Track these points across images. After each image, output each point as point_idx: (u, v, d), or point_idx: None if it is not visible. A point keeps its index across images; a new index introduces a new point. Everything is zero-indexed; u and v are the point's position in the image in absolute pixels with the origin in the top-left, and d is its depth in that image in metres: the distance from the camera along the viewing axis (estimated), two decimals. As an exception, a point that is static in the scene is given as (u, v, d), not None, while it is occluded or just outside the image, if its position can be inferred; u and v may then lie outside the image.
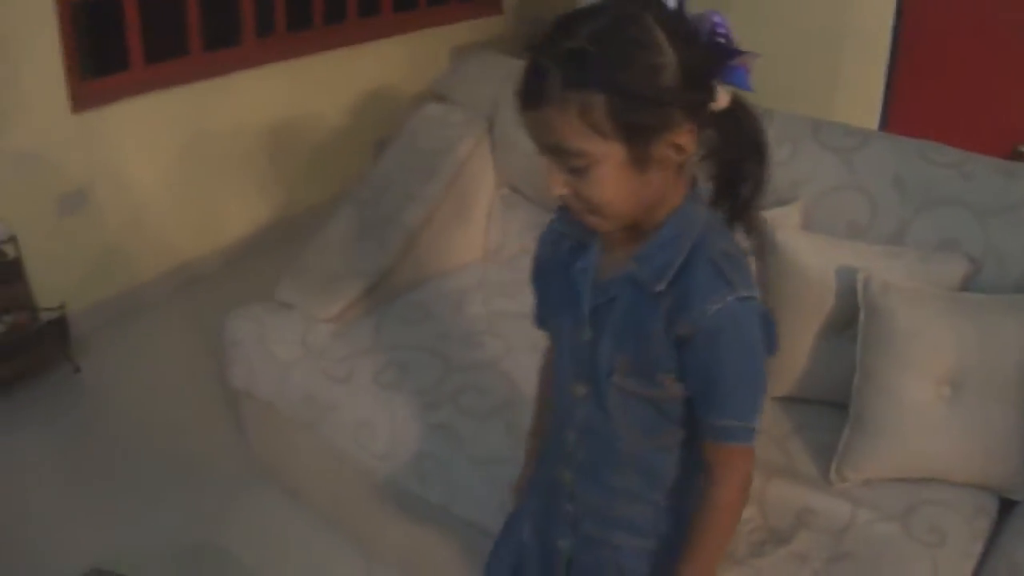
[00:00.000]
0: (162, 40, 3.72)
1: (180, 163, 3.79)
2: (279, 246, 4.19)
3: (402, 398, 2.33)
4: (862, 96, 3.57)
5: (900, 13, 3.43)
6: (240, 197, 4.12)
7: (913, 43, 3.47)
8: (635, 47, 1.17)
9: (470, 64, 3.13)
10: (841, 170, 2.39)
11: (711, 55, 1.22)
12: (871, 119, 3.54)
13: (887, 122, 3.55)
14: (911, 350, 2.07)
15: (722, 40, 1.22)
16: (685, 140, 1.22)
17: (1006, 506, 2.10)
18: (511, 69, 2.84)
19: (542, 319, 1.58)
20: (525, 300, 2.67)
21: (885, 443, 2.08)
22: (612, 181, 1.22)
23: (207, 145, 3.88)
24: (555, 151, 1.22)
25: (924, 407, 2.06)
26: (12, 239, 3.15)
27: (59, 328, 3.28)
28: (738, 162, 1.32)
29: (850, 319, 2.19)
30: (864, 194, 2.35)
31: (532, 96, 1.20)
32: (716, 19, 1.22)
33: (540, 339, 2.49)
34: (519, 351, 2.48)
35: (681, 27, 1.20)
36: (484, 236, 2.99)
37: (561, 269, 1.43)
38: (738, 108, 1.27)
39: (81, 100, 3.35)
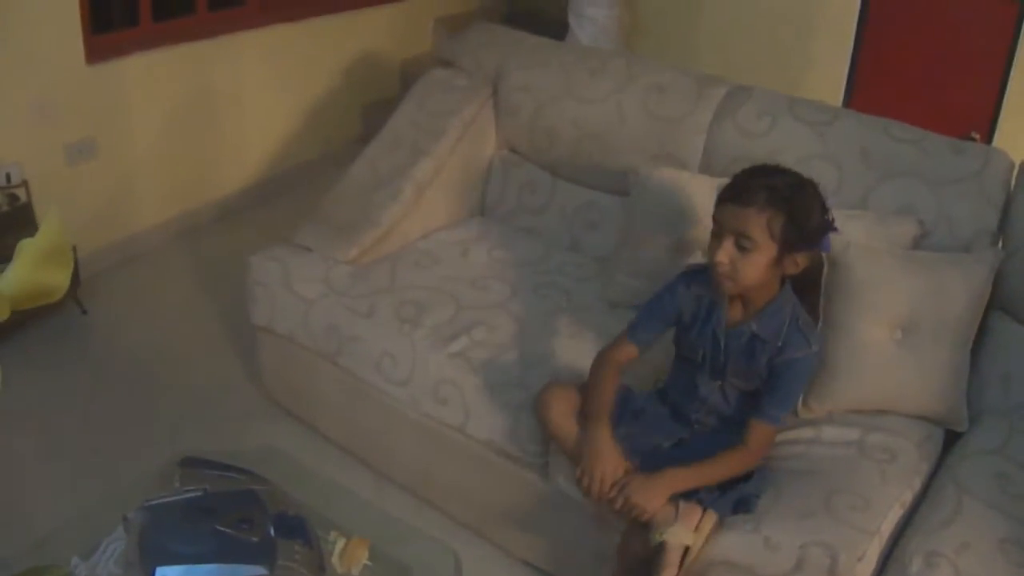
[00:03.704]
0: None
1: (183, 117, 3.95)
2: (271, 199, 4.42)
3: (421, 331, 2.58)
4: (829, 76, 3.85)
5: (866, 3, 3.70)
6: (237, 151, 4.30)
7: (877, 32, 3.74)
8: (809, 199, 2.03)
9: (474, 33, 3.36)
10: (814, 142, 2.66)
11: (828, 224, 2.06)
12: (835, 98, 3.81)
13: (849, 103, 3.83)
14: (868, 299, 2.35)
15: (831, 218, 2.07)
16: (801, 261, 2.05)
17: (952, 439, 2.41)
18: (513, 38, 3.11)
19: (642, 336, 2.26)
20: (523, 250, 2.99)
21: (845, 379, 2.37)
22: (758, 264, 2.00)
23: (208, 101, 4.06)
24: (738, 234, 1.98)
25: (879, 349, 2.35)
26: (24, 184, 3.26)
27: (69, 271, 3.39)
28: (804, 289, 2.20)
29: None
30: (833, 163, 2.62)
31: (743, 199, 1.99)
32: (830, 205, 2.09)
33: (542, 284, 2.78)
34: (522, 294, 2.76)
35: (823, 200, 2.06)
36: (485, 192, 3.26)
37: (701, 321, 2.18)
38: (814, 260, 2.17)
39: (95, 53, 3.49)
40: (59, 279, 1.27)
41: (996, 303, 2.47)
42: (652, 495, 2.05)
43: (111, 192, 3.75)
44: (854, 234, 2.43)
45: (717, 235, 2.03)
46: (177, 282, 3.82)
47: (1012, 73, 3.67)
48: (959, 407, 2.40)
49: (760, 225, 1.96)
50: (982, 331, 2.45)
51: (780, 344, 2.09)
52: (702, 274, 2.15)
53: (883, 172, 2.58)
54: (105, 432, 2.95)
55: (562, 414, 2.24)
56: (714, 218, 2.04)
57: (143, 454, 2.78)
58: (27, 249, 1.28)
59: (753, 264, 2.00)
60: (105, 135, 3.64)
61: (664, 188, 2.62)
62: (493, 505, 2.57)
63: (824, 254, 2.33)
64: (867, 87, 3.86)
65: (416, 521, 2.44)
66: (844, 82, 3.87)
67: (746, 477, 2.17)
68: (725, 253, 2.00)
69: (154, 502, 1.72)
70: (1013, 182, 2.54)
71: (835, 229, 2.10)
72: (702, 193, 2.06)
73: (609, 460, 2.12)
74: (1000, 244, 2.52)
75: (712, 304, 2.16)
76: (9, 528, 2.47)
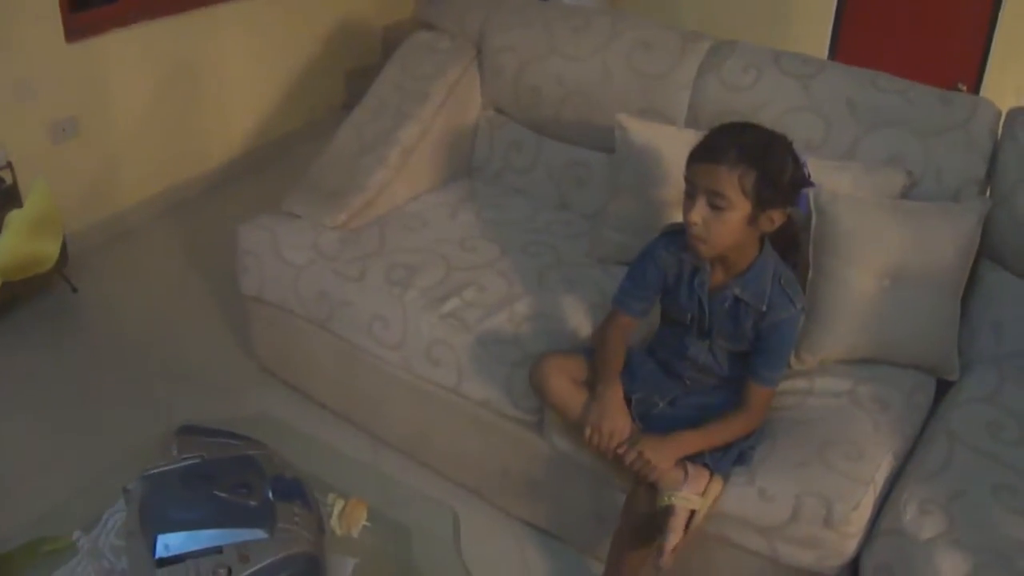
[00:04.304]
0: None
1: (165, 92, 3.92)
2: (257, 170, 4.42)
3: (412, 294, 2.58)
4: (813, 30, 3.84)
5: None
6: (221, 124, 4.28)
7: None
8: (780, 154, 1.99)
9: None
10: (799, 94, 2.66)
11: (802, 179, 2.03)
12: (820, 52, 3.81)
13: (834, 57, 3.83)
14: (856, 248, 2.36)
15: (806, 173, 2.05)
16: (777, 218, 2.01)
17: (944, 388, 2.43)
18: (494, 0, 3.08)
19: (635, 307, 2.26)
20: (511, 210, 3.01)
21: (836, 329, 2.38)
22: (732, 224, 1.97)
23: (190, 74, 4.03)
24: (710, 192, 1.95)
25: (868, 298, 2.36)
26: (8, 165, 3.23)
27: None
28: (784, 246, 2.18)
29: (804, 224, 2.47)
30: (819, 115, 2.63)
31: (713, 157, 1.95)
32: (805, 159, 2.06)
33: (531, 243, 2.79)
34: (512, 253, 2.77)
35: (796, 155, 2.02)
36: (472, 153, 3.26)
37: (685, 281, 2.17)
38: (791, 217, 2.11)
39: (74, 30, 3.46)
40: (50, 248, 1.26)
41: (985, 252, 2.49)
42: (663, 455, 2.07)
43: (96, 170, 3.74)
44: (841, 185, 2.45)
45: (690, 195, 2.01)
46: (166, 257, 3.81)
47: (998, 24, 3.67)
48: (950, 356, 2.42)
49: (732, 183, 1.93)
50: (972, 280, 2.46)
51: (765, 308, 2.08)
52: (682, 235, 2.11)
53: (870, 123, 2.58)
54: (101, 408, 2.95)
55: (561, 384, 2.24)
56: (686, 178, 2.02)
57: (140, 428, 2.79)
58: (16, 220, 1.27)
59: (727, 224, 1.97)
60: (88, 113, 3.62)
61: (649, 143, 2.62)
62: (490, 465, 2.58)
63: (811, 206, 2.36)
64: (852, 40, 3.85)
65: (414, 484, 2.45)
66: (829, 36, 3.86)
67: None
68: (698, 213, 1.97)
69: (153, 471, 1.71)
70: (1000, 131, 2.54)
71: (810, 183, 2.09)
72: (687, 147, 2.05)
73: (618, 419, 2.14)
74: (988, 193, 2.53)
75: (695, 267, 2.15)
76: (8, 506, 2.48)
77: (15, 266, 1.23)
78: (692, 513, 2.06)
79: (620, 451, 2.11)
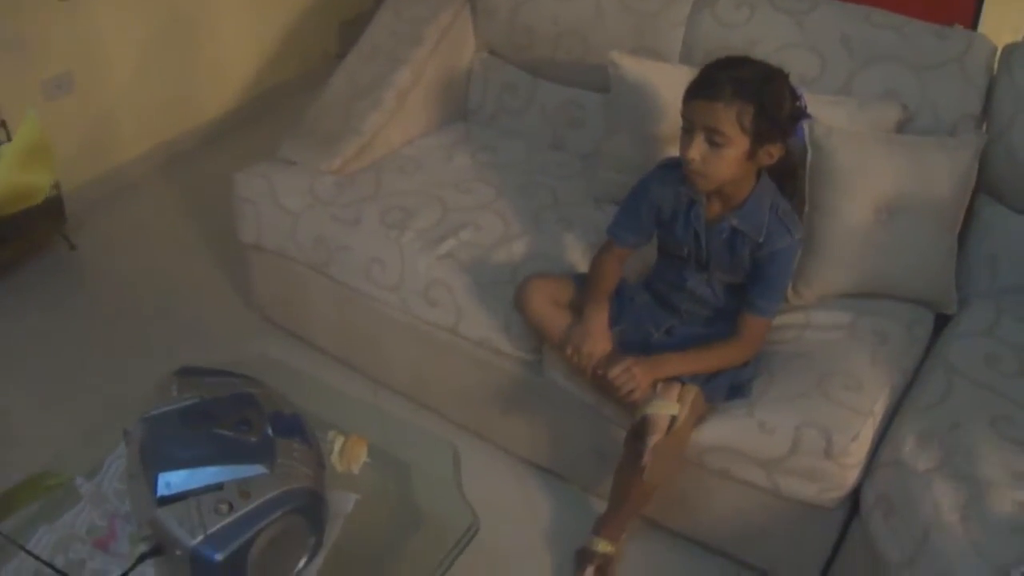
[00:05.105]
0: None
1: (159, 45, 3.89)
2: (252, 121, 4.40)
3: (408, 236, 2.58)
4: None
5: None
6: (215, 76, 4.26)
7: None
8: (778, 89, 1.97)
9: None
10: (793, 30, 2.65)
11: (800, 111, 2.02)
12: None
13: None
14: (853, 182, 2.35)
15: (802, 106, 2.03)
16: (776, 152, 2.01)
17: (942, 322, 2.44)
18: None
19: (629, 239, 2.27)
20: (507, 151, 3.00)
21: (833, 263, 2.39)
22: (730, 159, 1.97)
23: (183, 27, 3.99)
24: (708, 129, 1.95)
25: (866, 231, 2.36)
26: (3, 123, 3.18)
27: (55, 208, 3.33)
28: (781, 177, 2.17)
29: (801, 156, 2.46)
30: (814, 51, 2.62)
31: (710, 94, 1.94)
32: (801, 91, 2.05)
33: (527, 184, 2.79)
34: (508, 194, 2.76)
35: (793, 88, 2.01)
36: (467, 96, 3.25)
37: (682, 214, 2.17)
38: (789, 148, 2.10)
39: (66, -13, 3.43)
40: (41, 180, 1.26)
41: (981, 186, 2.49)
42: (647, 371, 2.09)
43: (92, 126, 3.71)
44: (837, 120, 2.44)
45: (687, 131, 2.00)
46: (164, 210, 3.80)
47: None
48: (948, 290, 2.43)
49: (730, 119, 1.93)
50: (969, 214, 2.46)
51: (762, 239, 2.09)
52: (678, 169, 2.10)
53: (865, 58, 2.57)
54: (103, 363, 2.95)
55: (540, 304, 2.27)
56: (683, 114, 2.01)
57: (141, 379, 2.75)
58: (7, 153, 1.26)
59: (725, 159, 1.97)
60: (82, 69, 3.57)
61: (644, 80, 2.60)
62: (490, 405, 2.60)
63: (807, 140, 2.35)
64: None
65: (414, 423, 2.47)
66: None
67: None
68: (696, 150, 1.97)
69: (153, 412, 1.72)
70: (996, 66, 2.53)
71: (808, 116, 2.09)
72: (682, 84, 2.03)
73: (599, 341, 2.17)
74: (984, 128, 2.52)
75: (692, 200, 2.15)
76: (12, 456, 2.48)
77: (7, 198, 1.22)
78: (672, 420, 2.07)
79: (599, 371, 2.14)
